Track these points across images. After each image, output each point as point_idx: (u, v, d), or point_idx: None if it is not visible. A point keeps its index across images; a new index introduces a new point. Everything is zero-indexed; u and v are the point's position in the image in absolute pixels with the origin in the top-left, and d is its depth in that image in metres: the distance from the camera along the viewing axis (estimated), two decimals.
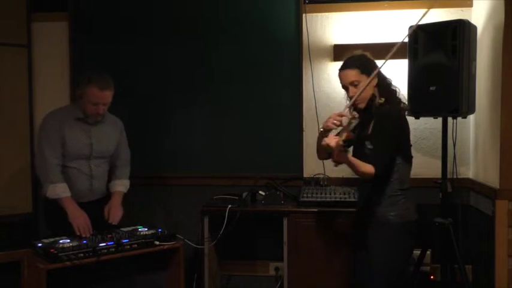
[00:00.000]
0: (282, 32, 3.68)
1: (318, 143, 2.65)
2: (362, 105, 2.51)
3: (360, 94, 2.43)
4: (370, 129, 2.50)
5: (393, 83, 2.62)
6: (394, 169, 2.52)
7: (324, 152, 2.60)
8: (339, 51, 3.59)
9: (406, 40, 2.96)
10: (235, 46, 3.73)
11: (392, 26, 3.53)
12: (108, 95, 2.91)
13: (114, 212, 2.97)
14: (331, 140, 2.22)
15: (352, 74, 2.51)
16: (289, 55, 3.68)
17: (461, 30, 2.81)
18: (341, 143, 2.21)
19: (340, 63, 3.55)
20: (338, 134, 2.32)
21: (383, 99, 2.53)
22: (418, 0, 3.50)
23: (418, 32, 2.97)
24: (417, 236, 2.59)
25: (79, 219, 2.81)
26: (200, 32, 3.76)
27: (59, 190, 2.86)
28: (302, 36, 3.64)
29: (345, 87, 2.58)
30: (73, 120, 2.96)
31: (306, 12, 3.63)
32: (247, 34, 3.72)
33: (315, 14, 3.65)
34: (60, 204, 2.85)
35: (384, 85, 2.57)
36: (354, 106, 2.49)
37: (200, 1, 3.76)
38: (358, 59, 2.57)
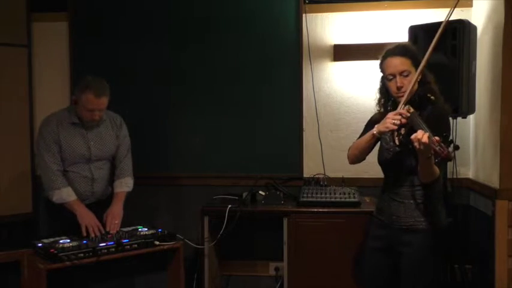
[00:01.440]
0: (282, 32, 3.68)
1: (360, 148, 2.48)
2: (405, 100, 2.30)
3: (412, 86, 2.26)
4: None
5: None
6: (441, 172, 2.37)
7: (365, 154, 2.49)
8: (339, 51, 3.60)
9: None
10: (235, 46, 3.73)
11: (392, 26, 3.53)
12: (104, 102, 2.87)
13: (111, 221, 2.90)
14: (423, 135, 2.01)
15: (405, 63, 2.31)
16: (289, 55, 3.67)
17: (461, 30, 2.81)
18: (434, 137, 2.01)
19: (340, 63, 3.62)
20: (399, 131, 2.23)
21: (433, 96, 2.33)
22: (418, 0, 3.51)
23: (418, 32, 2.98)
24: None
25: (88, 220, 2.81)
26: (200, 32, 3.75)
27: (64, 195, 2.85)
28: (302, 36, 3.64)
29: (390, 76, 2.35)
30: (69, 124, 2.93)
31: (306, 12, 3.63)
32: (247, 34, 3.72)
33: (315, 14, 3.65)
34: (67, 207, 2.85)
35: (427, 82, 2.39)
36: (399, 99, 2.32)
37: (200, 1, 3.76)
38: (410, 49, 2.37)
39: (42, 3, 3.88)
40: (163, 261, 2.92)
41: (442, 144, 2.00)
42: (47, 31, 3.91)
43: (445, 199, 2.95)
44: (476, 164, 3.45)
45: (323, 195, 3.31)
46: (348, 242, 3.13)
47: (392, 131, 2.30)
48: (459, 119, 3.09)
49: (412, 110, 2.22)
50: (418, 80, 2.33)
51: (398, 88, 2.32)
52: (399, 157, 2.38)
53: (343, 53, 3.58)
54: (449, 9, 3.44)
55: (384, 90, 2.46)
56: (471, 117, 3.38)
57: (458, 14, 3.37)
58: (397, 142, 2.31)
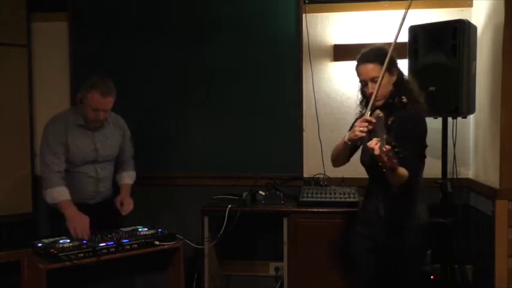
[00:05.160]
0: (282, 32, 3.68)
1: (336, 153, 2.59)
2: (380, 103, 2.37)
3: (378, 90, 2.31)
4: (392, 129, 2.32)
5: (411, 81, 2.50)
6: (418, 170, 2.44)
7: (343, 159, 2.59)
8: (339, 51, 3.60)
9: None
10: (235, 46, 3.73)
11: (392, 26, 3.53)
12: (110, 102, 2.87)
13: (127, 205, 2.98)
14: (374, 144, 2.04)
15: (376, 69, 2.35)
16: (289, 55, 3.67)
17: (461, 30, 2.81)
18: (385, 146, 2.03)
19: (340, 63, 3.62)
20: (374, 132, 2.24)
21: (405, 98, 2.38)
22: (418, 0, 3.50)
23: (418, 32, 2.98)
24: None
25: (76, 221, 2.75)
26: (200, 32, 3.76)
27: (56, 194, 2.83)
28: (302, 36, 3.64)
29: (363, 81, 2.43)
30: (75, 126, 2.93)
31: (306, 12, 3.63)
32: (247, 34, 3.72)
33: (315, 14, 3.65)
34: (59, 208, 2.83)
35: (403, 83, 2.43)
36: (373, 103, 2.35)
37: (200, 1, 3.76)
38: (382, 53, 2.36)
39: (42, 3, 3.88)
40: (163, 261, 2.91)
41: (391, 154, 2.03)
42: (47, 31, 3.91)
43: (445, 199, 2.97)
44: (476, 164, 3.45)
45: (323, 195, 3.32)
46: (348, 242, 3.12)
47: (369, 134, 2.31)
48: (459, 119, 3.09)
49: (380, 115, 2.25)
50: (393, 81, 2.39)
51: (370, 94, 2.36)
52: (375, 158, 2.39)
53: (343, 53, 3.57)
54: (449, 8, 3.50)
55: (364, 92, 2.51)
56: (471, 117, 3.38)
57: (458, 14, 3.38)
58: None
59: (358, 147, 2.56)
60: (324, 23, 3.66)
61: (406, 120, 2.33)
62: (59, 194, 2.83)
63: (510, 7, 2.90)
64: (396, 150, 2.06)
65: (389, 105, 2.38)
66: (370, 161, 2.46)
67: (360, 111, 2.57)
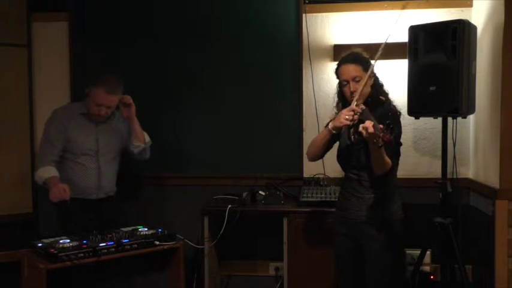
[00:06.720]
0: (282, 32, 3.68)
1: (317, 144, 2.65)
2: (360, 102, 2.50)
3: (363, 88, 2.47)
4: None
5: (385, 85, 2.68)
6: (394, 167, 2.56)
7: (322, 151, 2.65)
8: (339, 51, 3.58)
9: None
10: (235, 46, 3.73)
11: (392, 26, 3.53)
12: (113, 100, 2.96)
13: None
14: (369, 124, 2.16)
15: (357, 69, 2.53)
16: (289, 55, 3.67)
17: (461, 30, 2.81)
18: (378, 125, 2.17)
19: None
20: (354, 126, 2.37)
21: (383, 98, 2.58)
22: (418, 0, 3.50)
23: (418, 32, 2.98)
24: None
25: (58, 187, 2.75)
26: (200, 32, 3.76)
27: (41, 173, 2.86)
28: (302, 36, 3.64)
29: (344, 82, 2.57)
30: (78, 115, 3.02)
31: (306, 12, 3.63)
32: (247, 34, 3.72)
33: (315, 14, 3.65)
34: (47, 187, 2.81)
35: (379, 86, 2.63)
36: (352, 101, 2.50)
37: (200, 1, 3.76)
38: (361, 57, 2.59)
39: (42, 3, 3.88)
40: (163, 261, 2.92)
41: (385, 131, 2.17)
42: (47, 31, 3.90)
43: (445, 199, 2.97)
44: (476, 164, 3.45)
45: (323, 195, 3.32)
46: None
47: (349, 130, 2.49)
48: (459, 119, 3.09)
49: (363, 106, 2.41)
50: (371, 83, 2.56)
51: (352, 93, 2.52)
52: (352, 154, 2.56)
53: (343, 53, 3.57)
54: (449, 8, 3.50)
55: (341, 94, 2.65)
56: (471, 117, 3.38)
57: (458, 14, 3.39)
58: (352, 139, 2.49)
59: (334, 143, 2.67)
60: (324, 23, 3.66)
61: (386, 116, 2.47)
62: (45, 172, 2.87)
63: (510, 7, 2.90)
64: (391, 126, 2.19)
65: (369, 103, 2.52)
66: (344, 156, 2.61)
67: (336, 113, 2.66)
